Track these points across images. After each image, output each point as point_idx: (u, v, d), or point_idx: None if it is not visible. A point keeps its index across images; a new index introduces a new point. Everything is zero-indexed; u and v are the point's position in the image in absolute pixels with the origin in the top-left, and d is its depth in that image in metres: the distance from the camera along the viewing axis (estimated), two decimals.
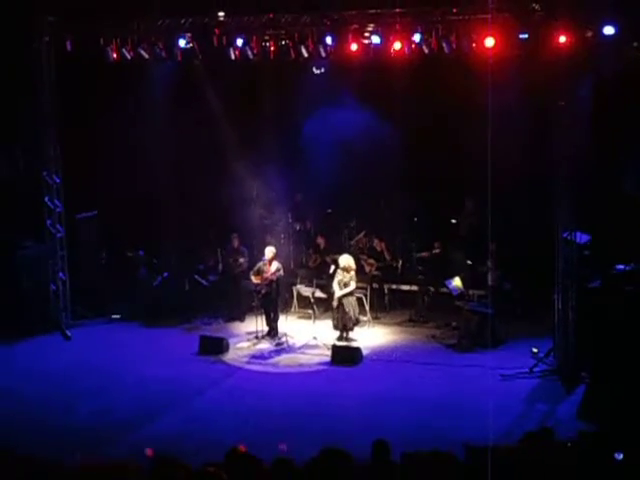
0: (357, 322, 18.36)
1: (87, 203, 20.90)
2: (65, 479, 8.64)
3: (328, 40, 17.30)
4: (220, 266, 20.29)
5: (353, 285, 18.16)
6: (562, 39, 15.52)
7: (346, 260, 18.22)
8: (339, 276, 18.15)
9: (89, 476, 8.52)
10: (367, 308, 19.16)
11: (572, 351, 15.79)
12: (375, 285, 19.79)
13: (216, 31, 17.89)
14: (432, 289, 19.45)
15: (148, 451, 8.43)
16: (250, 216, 20.81)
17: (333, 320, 18.31)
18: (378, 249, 20.16)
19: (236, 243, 19.92)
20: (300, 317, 19.68)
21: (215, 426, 14.31)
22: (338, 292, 18.09)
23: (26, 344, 18.62)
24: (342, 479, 8.20)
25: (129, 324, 19.92)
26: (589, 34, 15.85)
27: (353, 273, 18.17)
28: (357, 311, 18.31)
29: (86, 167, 20.27)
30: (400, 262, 20.21)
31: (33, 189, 19.74)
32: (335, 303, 18.15)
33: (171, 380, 16.44)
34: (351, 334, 18.27)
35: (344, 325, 18.13)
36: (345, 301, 18.04)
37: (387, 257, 20.10)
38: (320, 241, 20.56)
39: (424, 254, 19.67)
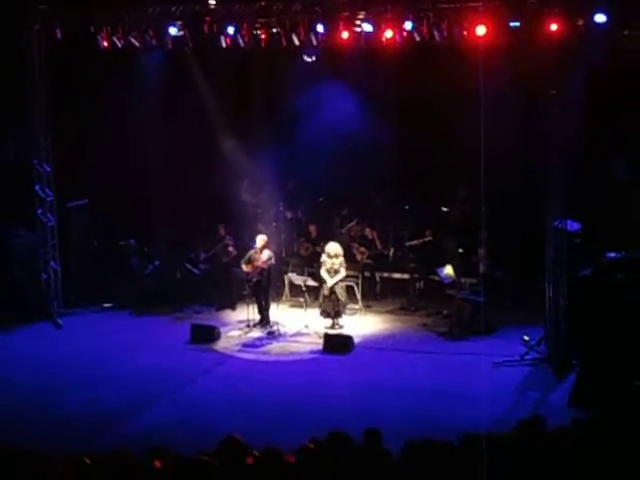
0: (345, 307, 18.45)
1: (78, 192, 20.87)
2: (57, 470, 8.64)
3: (319, 28, 17.24)
4: (202, 255, 20.22)
5: (343, 272, 18.24)
6: (553, 27, 15.49)
7: (334, 247, 18.29)
8: (328, 264, 18.20)
9: (84, 467, 8.53)
10: (359, 296, 19.19)
11: (563, 339, 15.83)
12: (367, 273, 19.82)
13: (207, 19, 17.83)
14: (424, 277, 19.50)
15: (157, 463, 8.39)
16: (241, 204, 20.81)
17: (323, 308, 18.34)
18: (369, 237, 20.18)
19: (222, 232, 19.90)
20: (292, 305, 19.70)
21: (207, 414, 14.30)
22: (330, 280, 18.14)
23: (17, 333, 18.62)
24: (344, 463, 8.26)
25: (120, 313, 19.92)
26: (580, 22, 15.83)
27: (342, 259, 18.24)
28: (346, 296, 18.40)
29: (77, 156, 20.22)
30: (392, 250, 20.23)
31: (24, 178, 19.68)
32: (327, 292, 18.19)
33: (163, 369, 16.44)
34: (341, 320, 18.32)
35: (337, 312, 18.20)
36: (337, 287, 18.12)
37: (378, 245, 20.12)
38: (312, 229, 20.56)
39: (414, 242, 19.68)
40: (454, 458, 8.26)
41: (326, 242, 18.92)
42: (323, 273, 18.30)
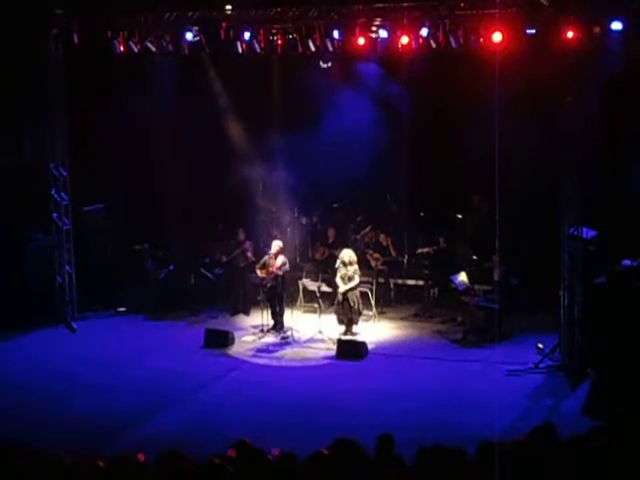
0: (360, 314, 18.42)
1: (94, 196, 20.92)
2: (69, 473, 8.65)
3: (335, 34, 17.28)
4: (223, 258, 20.17)
5: (357, 279, 18.20)
6: (570, 34, 15.48)
7: (348, 254, 18.26)
8: (342, 270, 18.17)
9: (94, 470, 8.55)
10: (373, 303, 19.16)
11: (578, 347, 15.78)
12: (381, 280, 19.79)
13: (223, 24, 17.88)
14: (438, 284, 19.46)
15: (140, 457, 8.46)
16: (256, 209, 20.83)
17: (337, 315, 18.34)
18: (384, 244, 20.14)
19: (242, 236, 19.90)
20: (306, 311, 19.68)
21: (220, 419, 14.33)
22: (342, 287, 18.12)
23: (32, 336, 18.67)
24: (354, 470, 8.23)
25: (135, 317, 19.96)
26: (597, 30, 15.82)
27: (356, 266, 18.21)
28: (361, 304, 18.37)
29: (93, 160, 20.32)
30: (406, 257, 20.20)
31: (40, 182, 19.75)
32: (340, 298, 18.19)
33: (176, 373, 16.46)
34: (355, 328, 18.31)
35: (349, 319, 18.17)
36: (350, 295, 18.09)
37: (393, 252, 20.08)
38: (330, 234, 20.50)
39: (425, 250, 19.65)
40: (466, 465, 8.24)
41: (341, 248, 18.91)
42: (337, 280, 18.30)
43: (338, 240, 20.28)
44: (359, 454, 8.42)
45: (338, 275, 18.26)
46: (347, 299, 18.11)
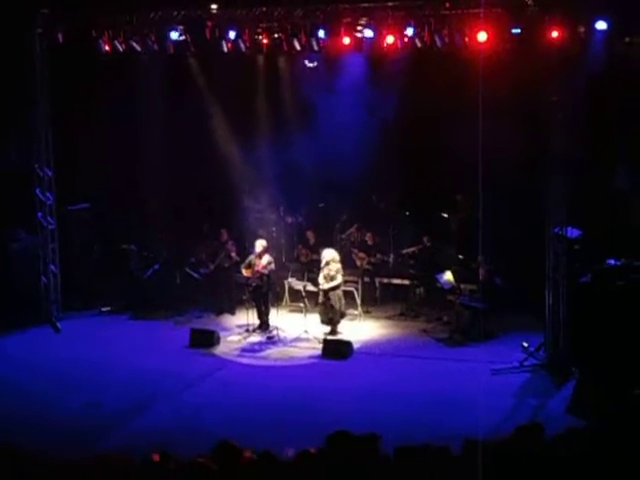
0: (343, 315, 18.40)
1: (79, 195, 20.87)
2: (56, 474, 8.63)
3: (321, 33, 17.29)
4: (211, 266, 19.96)
5: (339, 278, 18.17)
6: (554, 34, 15.53)
7: (330, 254, 18.23)
8: (325, 269, 18.15)
9: (80, 471, 8.53)
10: (358, 302, 19.16)
11: (563, 346, 15.82)
12: (366, 279, 19.79)
13: (209, 24, 17.86)
14: (424, 283, 19.46)
15: (155, 456, 8.43)
16: (242, 209, 20.80)
17: (320, 314, 18.32)
18: (370, 243, 20.14)
19: (224, 237, 19.86)
20: (291, 310, 19.68)
21: (206, 419, 14.31)
22: (324, 285, 18.09)
23: (16, 336, 18.60)
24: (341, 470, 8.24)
25: (120, 317, 19.92)
26: (581, 29, 15.89)
27: (339, 266, 18.18)
28: (343, 304, 18.34)
29: (78, 159, 20.28)
30: (391, 256, 20.21)
31: (25, 181, 19.68)
32: (321, 297, 18.17)
33: (162, 373, 16.43)
34: (339, 327, 18.30)
35: (330, 319, 18.16)
36: (332, 295, 18.06)
37: (377, 254, 20.04)
38: (309, 235, 20.48)
39: (410, 250, 19.66)
40: (450, 464, 8.25)
41: (324, 248, 18.89)
42: (320, 278, 18.26)
43: (320, 241, 20.22)
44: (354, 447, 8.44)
45: (321, 274, 18.24)
46: (329, 298, 18.09)
